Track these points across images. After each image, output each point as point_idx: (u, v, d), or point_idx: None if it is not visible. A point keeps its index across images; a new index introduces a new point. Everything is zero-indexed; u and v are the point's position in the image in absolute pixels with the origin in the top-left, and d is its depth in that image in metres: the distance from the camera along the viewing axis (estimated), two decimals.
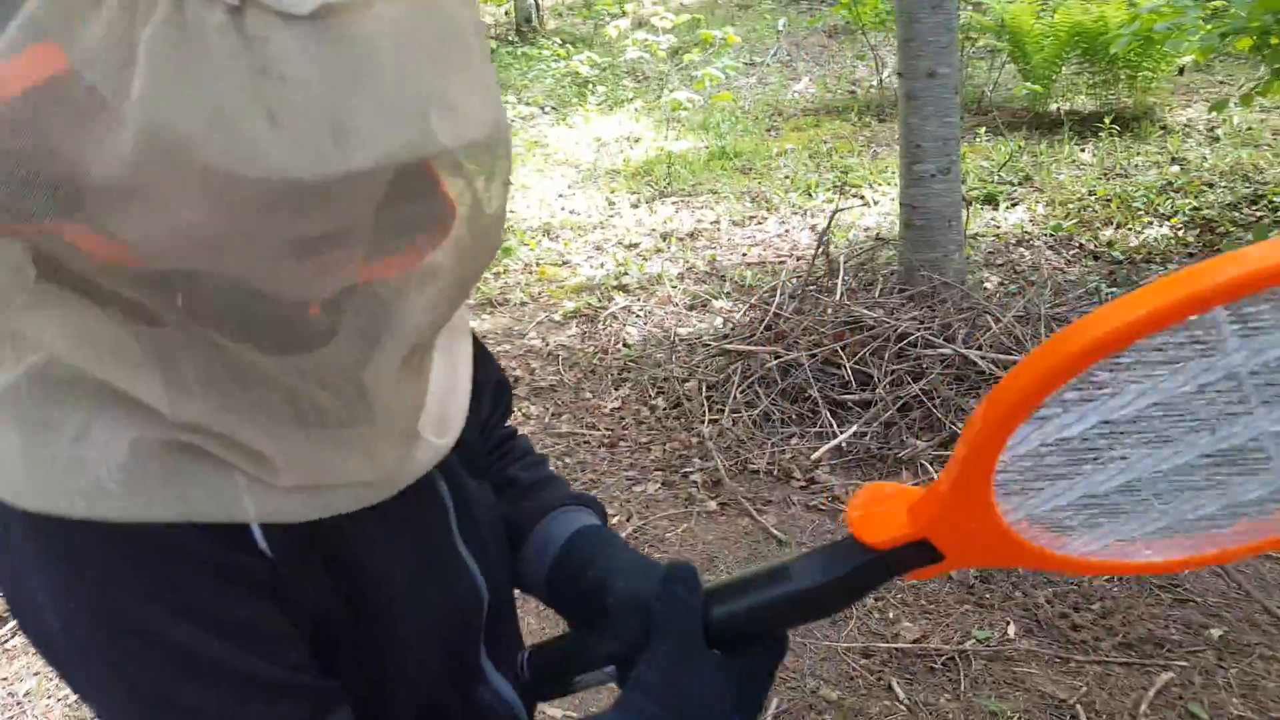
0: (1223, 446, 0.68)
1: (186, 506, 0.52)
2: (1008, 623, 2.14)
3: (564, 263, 4.98)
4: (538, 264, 4.95)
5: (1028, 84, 6.41)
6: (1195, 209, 4.70)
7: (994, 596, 2.23)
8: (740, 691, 0.67)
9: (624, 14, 11.07)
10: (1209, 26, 3.76)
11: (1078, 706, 1.91)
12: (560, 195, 6.17)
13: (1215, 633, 2.09)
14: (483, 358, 0.79)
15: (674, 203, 5.83)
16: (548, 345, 3.97)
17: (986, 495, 0.65)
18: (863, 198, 5.47)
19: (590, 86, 8.71)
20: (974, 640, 2.10)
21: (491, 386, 0.85)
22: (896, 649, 2.09)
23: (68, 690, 2.08)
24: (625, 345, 3.89)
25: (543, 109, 8.26)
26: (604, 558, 0.77)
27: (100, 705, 0.56)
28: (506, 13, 12.07)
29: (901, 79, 3.50)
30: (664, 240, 5.17)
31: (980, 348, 2.99)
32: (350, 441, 0.56)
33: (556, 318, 4.27)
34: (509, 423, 0.93)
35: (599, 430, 3.23)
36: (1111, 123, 6.04)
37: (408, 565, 0.66)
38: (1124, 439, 0.66)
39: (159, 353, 0.51)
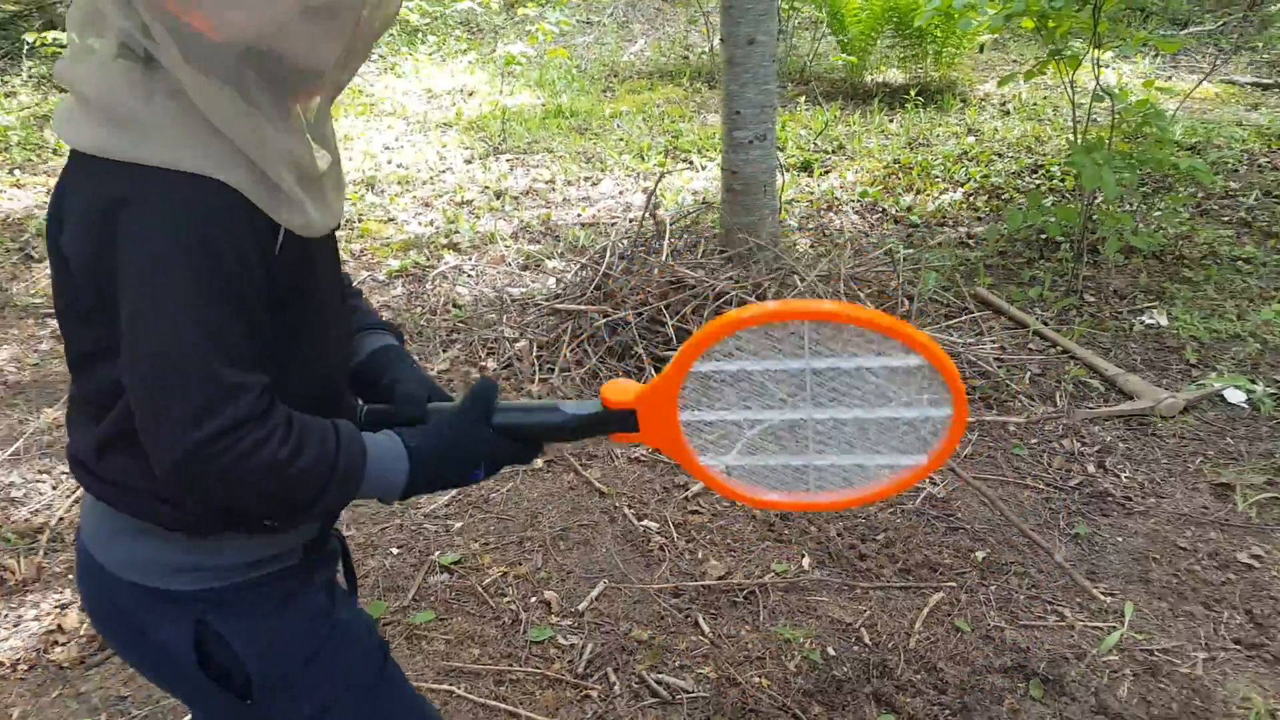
0: (787, 418, 1.06)
1: (255, 191, 0.87)
2: (803, 556, 2.36)
3: (389, 219, 4.86)
4: (360, 219, 4.81)
5: (844, 55, 6.75)
6: (985, 176, 5.16)
7: (792, 532, 2.44)
8: (496, 462, 1.06)
9: None
10: (999, 7, 4.11)
11: (862, 629, 2.14)
12: (387, 147, 5.98)
13: (979, 555, 2.38)
14: None
15: (509, 159, 5.79)
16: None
17: (673, 396, 1.04)
18: (691, 162, 5.63)
19: (420, 35, 8.43)
20: (773, 574, 2.30)
21: None
22: (704, 586, 2.26)
23: None
24: (455, 306, 3.88)
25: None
26: (395, 370, 1.15)
27: (149, 293, 0.85)
28: None
29: (724, 45, 3.62)
30: (497, 199, 5.14)
31: None
32: (327, 191, 0.97)
33: (380, 277, 4.18)
34: None
35: None
36: (917, 95, 6.48)
37: (326, 290, 1.02)
38: (739, 389, 1.05)
39: (247, 108, 0.87)
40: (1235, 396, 3.11)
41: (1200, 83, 5.49)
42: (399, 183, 5.36)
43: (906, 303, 3.45)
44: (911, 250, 4.22)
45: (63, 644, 2.12)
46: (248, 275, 0.87)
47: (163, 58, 0.84)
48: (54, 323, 3.75)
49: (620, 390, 1.05)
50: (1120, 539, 2.46)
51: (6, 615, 2.22)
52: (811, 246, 4.27)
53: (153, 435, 0.86)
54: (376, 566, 2.38)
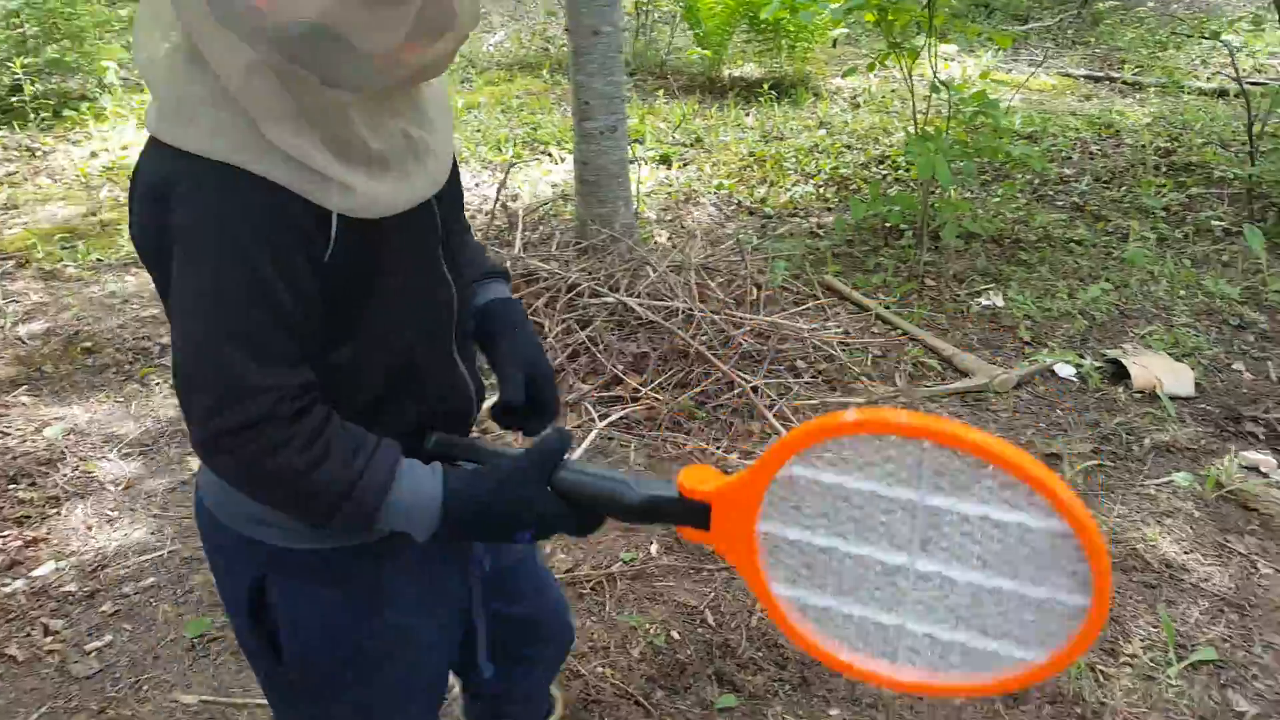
0: (887, 560, 0.83)
1: (296, 180, 0.85)
2: (651, 543, 2.35)
3: None
4: None
5: (700, 50, 6.84)
6: (834, 168, 5.32)
7: None
8: (546, 526, 0.97)
9: None
10: (842, 0, 4.23)
11: (706, 611, 2.15)
12: None
13: None
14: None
15: None
16: None
17: (756, 498, 0.86)
18: (550, 154, 5.58)
19: None
20: (620, 563, 2.28)
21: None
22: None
23: None
24: None
25: None
26: (505, 337, 1.17)
27: (182, 282, 0.86)
28: None
29: (570, 35, 3.59)
30: None
31: (639, 295, 3.20)
32: (400, 164, 0.93)
33: None
34: None
35: None
36: (771, 89, 6.63)
37: (406, 265, 0.99)
38: (833, 510, 0.84)
39: (284, 92, 0.83)
40: (1065, 371, 3.30)
41: (1032, 74, 5.83)
42: None
43: (755, 290, 3.51)
44: (763, 240, 4.30)
45: None
46: (285, 275, 0.86)
47: (192, 30, 0.83)
48: None
49: (699, 479, 0.91)
50: None
51: None
52: (670, 239, 4.30)
53: (184, 414, 0.89)
54: (200, 582, 2.23)
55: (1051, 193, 5.06)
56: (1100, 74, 7.85)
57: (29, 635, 2.08)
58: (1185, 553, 2.39)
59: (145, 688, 1.95)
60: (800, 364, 3.21)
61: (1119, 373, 3.25)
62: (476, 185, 5.11)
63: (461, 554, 1.16)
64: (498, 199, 3.81)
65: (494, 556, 1.22)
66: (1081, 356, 3.36)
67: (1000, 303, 3.81)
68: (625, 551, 2.32)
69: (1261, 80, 6.76)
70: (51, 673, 1.99)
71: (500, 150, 5.61)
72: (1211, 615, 2.18)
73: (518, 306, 1.22)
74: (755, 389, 2.93)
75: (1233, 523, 2.51)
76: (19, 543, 2.35)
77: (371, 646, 1.08)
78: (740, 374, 2.97)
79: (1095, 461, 2.76)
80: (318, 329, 0.92)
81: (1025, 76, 6.10)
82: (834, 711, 1.89)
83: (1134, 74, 7.73)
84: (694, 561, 2.30)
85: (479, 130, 5.98)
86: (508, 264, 3.49)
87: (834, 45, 8.02)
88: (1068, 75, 7.81)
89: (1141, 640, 2.09)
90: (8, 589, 2.21)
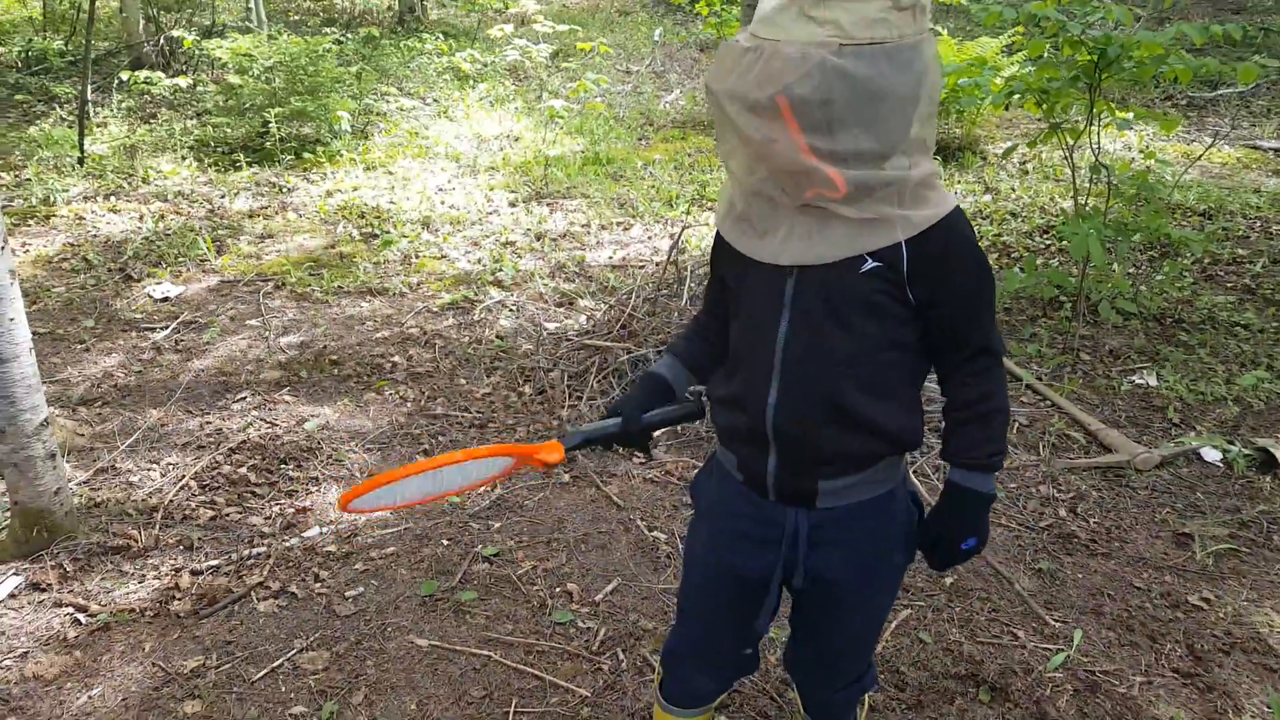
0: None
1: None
2: None
3: (442, 256, 5.29)
4: (416, 256, 5.24)
5: None
6: (997, 235, 5.46)
7: None
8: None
9: (507, 6, 11.30)
10: (1001, 85, 4.45)
11: None
12: (440, 189, 6.44)
13: (948, 580, 2.68)
14: (944, 270, 1.29)
15: (549, 203, 6.21)
16: (425, 334, 4.30)
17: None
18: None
19: (471, 82, 8.96)
20: None
21: (950, 300, 1.33)
22: None
23: None
24: (498, 337, 4.27)
25: (424, 100, 8.46)
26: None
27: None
28: (389, 6, 12.06)
29: None
30: (538, 240, 5.55)
31: None
32: (750, 224, 1.33)
33: (434, 308, 4.60)
34: None
35: (470, 413, 3.61)
36: (938, 152, 6.82)
37: (755, 304, 1.35)
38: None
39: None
40: (1211, 455, 3.34)
41: (1211, 146, 5.69)
42: (451, 223, 5.81)
43: None
44: None
45: (179, 598, 2.56)
46: (712, 255, 1.46)
47: None
48: (155, 334, 4.22)
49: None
50: (1080, 576, 2.73)
51: (133, 573, 2.67)
52: None
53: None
54: (430, 554, 2.76)
55: (1223, 273, 5.00)
56: None
57: (304, 581, 2.65)
58: None
59: (389, 630, 2.47)
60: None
61: (1268, 462, 3.28)
62: (649, 238, 5.60)
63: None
64: (670, 256, 4.25)
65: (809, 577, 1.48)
66: (1230, 442, 3.38)
67: (1153, 382, 3.86)
68: None
69: None
70: (320, 609, 2.54)
71: (672, 206, 6.09)
72: None
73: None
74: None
75: None
76: (292, 509, 2.97)
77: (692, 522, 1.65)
78: None
79: (1229, 545, 2.84)
80: None
81: (1203, 150, 5.98)
82: None
83: None
84: None
85: (653, 187, 6.49)
86: (675, 315, 3.92)
87: (1005, 109, 8.08)
88: (1255, 147, 7.54)
89: (1251, 716, 2.22)
90: (288, 544, 2.81)
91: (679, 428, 3.41)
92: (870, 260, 1.25)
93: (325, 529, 2.88)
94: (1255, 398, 3.71)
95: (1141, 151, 6.38)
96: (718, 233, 1.38)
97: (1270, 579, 2.72)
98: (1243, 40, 10.24)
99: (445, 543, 2.82)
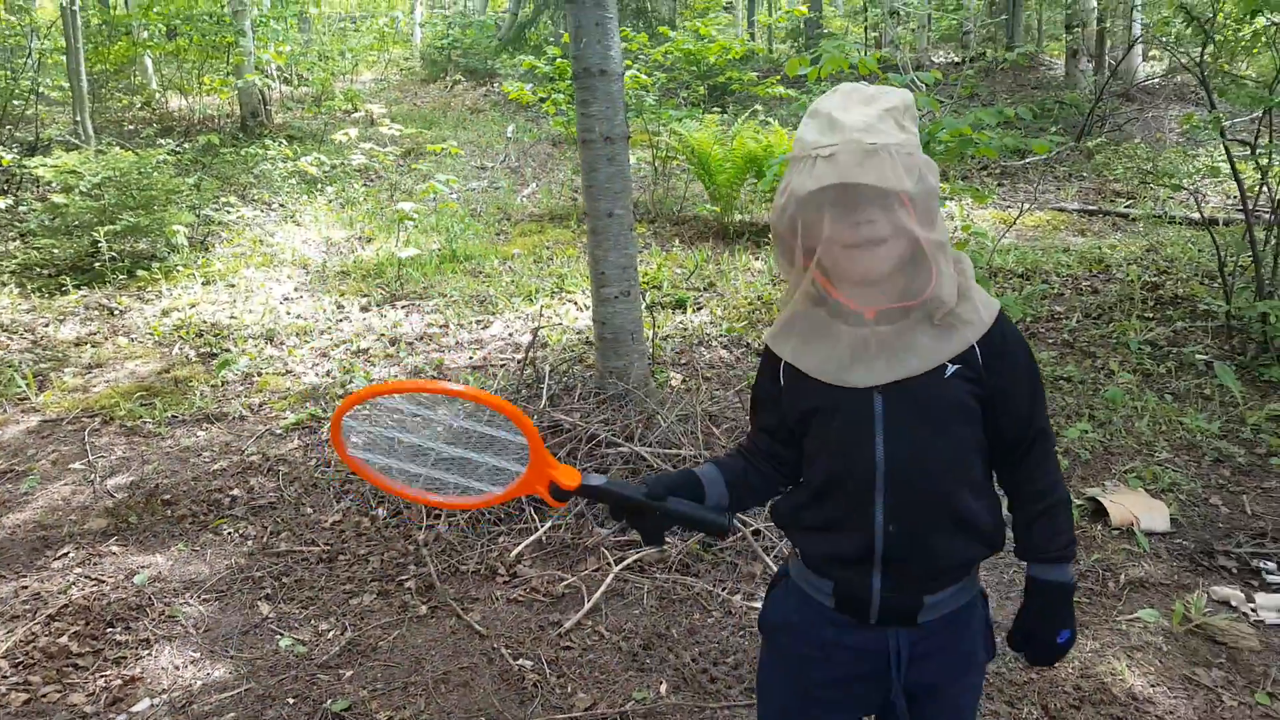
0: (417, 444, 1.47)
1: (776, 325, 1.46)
2: (661, 682, 2.62)
3: (287, 371, 5.08)
4: (259, 374, 5.02)
5: (708, 206, 7.42)
6: None
7: (652, 661, 2.71)
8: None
9: (355, 108, 11.26)
10: None
11: None
12: (285, 299, 6.23)
13: None
14: (1000, 367, 1.36)
15: (404, 306, 6.11)
16: (268, 459, 4.08)
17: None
18: (575, 302, 6.06)
19: (319, 186, 8.82)
20: (634, 701, 2.55)
21: (1013, 398, 1.39)
22: (572, 718, 2.49)
23: None
24: None
25: (269, 206, 8.25)
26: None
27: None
28: (229, 113, 11.81)
29: (587, 217, 4.08)
30: (392, 345, 5.42)
31: (650, 444, 3.56)
32: (819, 348, 1.36)
33: (277, 430, 4.38)
34: None
35: (318, 546, 3.41)
36: (752, 236, 7.13)
37: (840, 427, 1.36)
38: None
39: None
40: None
41: (1021, 214, 6.25)
42: (297, 334, 5.60)
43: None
44: None
45: None
46: (761, 381, 1.47)
47: None
48: None
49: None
50: None
51: None
52: (683, 381, 4.68)
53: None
54: (273, 717, 2.53)
55: (1043, 330, 5.37)
56: (1094, 208, 8.30)
57: None
58: (1152, 685, 2.60)
59: None
60: None
61: (1098, 510, 3.49)
62: (510, 335, 5.57)
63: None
64: (525, 359, 4.23)
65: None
66: None
67: None
68: (638, 690, 2.59)
69: (1259, 209, 7.13)
70: None
71: (532, 300, 6.10)
72: None
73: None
74: (756, 532, 3.24)
75: (1200, 656, 2.71)
76: (119, 681, 2.69)
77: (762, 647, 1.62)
78: (741, 518, 3.28)
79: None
80: None
81: (1016, 216, 6.52)
82: None
83: (1126, 206, 8.17)
84: (698, 700, 2.57)
85: (512, 282, 6.50)
86: (534, 418, 3.89)
87: None
88: (1061, 209, 8.27)
89: None
90: None
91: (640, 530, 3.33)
92: (950, 365, 1.31)
93: (157, 700, 2.62)
94: (1081, 448, 3.95)
95: (961, 224, 6.87)
96: (778, 362, 1.41)
97: (1109, 627, 2.85)
98: (1043, 114, 11.34)
99: (290, 701, 2.60)
